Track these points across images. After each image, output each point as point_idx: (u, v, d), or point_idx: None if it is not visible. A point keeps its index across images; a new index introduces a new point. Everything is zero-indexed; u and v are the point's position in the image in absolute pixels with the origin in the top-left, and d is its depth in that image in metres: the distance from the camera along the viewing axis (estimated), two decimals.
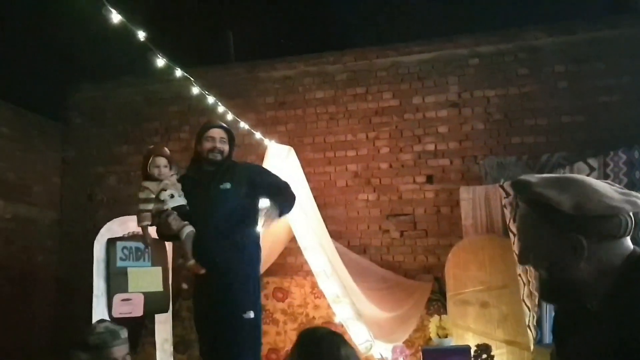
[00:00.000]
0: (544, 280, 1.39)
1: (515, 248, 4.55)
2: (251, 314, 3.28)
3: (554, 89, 5.82)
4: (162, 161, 3.42)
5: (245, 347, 3.29)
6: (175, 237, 3.38)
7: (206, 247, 3.30)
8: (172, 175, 3.46)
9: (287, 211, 3.53)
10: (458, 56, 6.14)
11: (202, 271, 3.30)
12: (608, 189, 1.32)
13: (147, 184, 3.39)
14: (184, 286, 4.04)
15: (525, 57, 5.95)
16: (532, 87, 5.88)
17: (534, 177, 1.38)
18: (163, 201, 3.33)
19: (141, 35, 3.26)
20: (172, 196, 3.35)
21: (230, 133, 3.62)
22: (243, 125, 5.39)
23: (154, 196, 3.34)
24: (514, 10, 6.78)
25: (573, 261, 1.30)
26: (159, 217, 3.34)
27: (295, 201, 3.59)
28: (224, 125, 3.68)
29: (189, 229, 3.30)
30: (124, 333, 2.76)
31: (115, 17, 2.92)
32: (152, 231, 3.55)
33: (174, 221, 3.28)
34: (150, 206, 3.34)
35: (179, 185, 3.43)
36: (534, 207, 1.35)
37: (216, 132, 3.53)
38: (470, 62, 6.10)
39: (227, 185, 3.40)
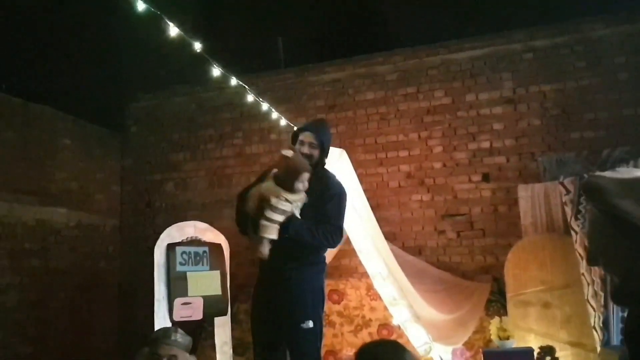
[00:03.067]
0: (617, 284, 1.33)
1: (578, 246, 4.43)
2: (310, 324, 3.15)
3: (614, 81, 5.61)
4: (307, 176, 3.13)
5: (303, 357, 3.21)
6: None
7: (273, 253, 3.15)
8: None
9: (308, 239, 3.14)
10: (511, 51, 6.00)
11: (265, 257, 3.11)
12: None
13: (289, 196, 3.08)
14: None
15: (582, 49, 5.76)
16: (591, 80, 5.69)
17: (605, 180, 1.29)
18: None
19: (197, 46, 3.30)
20: (297, 207, 3.16)
21: (321, 137, 3.27)
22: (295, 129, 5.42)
23: (289, 210, 3.09)
24: (569, 2, 6.58)
25: None
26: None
27: (327, 246, 3.27)
28: (316, 128, 3.34)
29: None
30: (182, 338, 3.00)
31: (173, 30, 2.96)
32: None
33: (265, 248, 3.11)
34: (282, 218, 3.06)
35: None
36: (609, 217, 1.28)
37: (306, 137, 3.26)
38: (524, 56, 5.95)
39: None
